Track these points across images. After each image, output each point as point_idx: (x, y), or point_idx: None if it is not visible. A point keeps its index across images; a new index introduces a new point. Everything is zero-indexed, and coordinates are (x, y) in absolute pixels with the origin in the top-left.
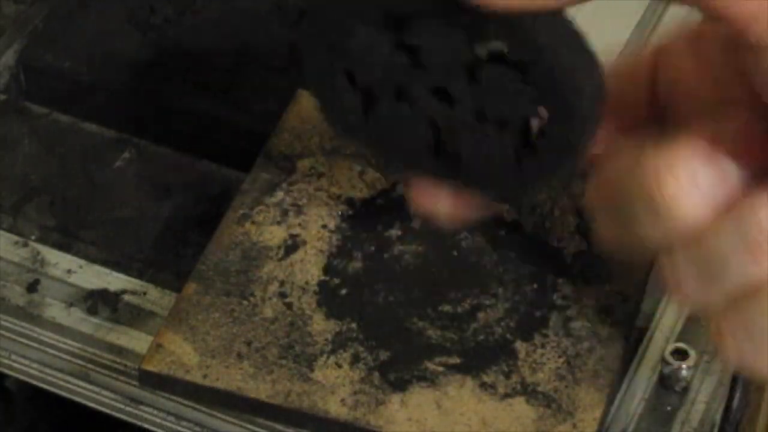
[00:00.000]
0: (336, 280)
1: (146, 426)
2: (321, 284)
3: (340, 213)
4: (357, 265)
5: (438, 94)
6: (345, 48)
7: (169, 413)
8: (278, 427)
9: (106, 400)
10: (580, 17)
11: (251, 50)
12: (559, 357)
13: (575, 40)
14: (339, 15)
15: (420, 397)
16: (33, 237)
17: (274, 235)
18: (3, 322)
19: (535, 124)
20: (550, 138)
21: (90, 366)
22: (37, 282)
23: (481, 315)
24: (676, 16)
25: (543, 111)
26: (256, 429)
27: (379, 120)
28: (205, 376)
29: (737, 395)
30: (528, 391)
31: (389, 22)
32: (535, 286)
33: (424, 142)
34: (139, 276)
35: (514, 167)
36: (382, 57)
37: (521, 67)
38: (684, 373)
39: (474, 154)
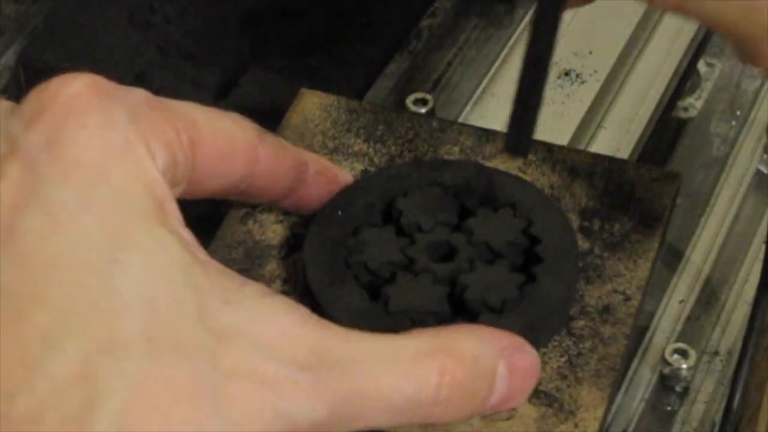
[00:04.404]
0: None
1: None
2: None
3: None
4: None
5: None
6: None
7: None
8: None
9: None
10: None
11: (251, 50)
12: (561, 356)
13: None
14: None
15: None
16: None
17: (277, 233)
18: None
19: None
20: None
21: None
22: None
23: None
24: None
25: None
26: None
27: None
28: None
29: (737, 395)
30: None
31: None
32: None
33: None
34: None
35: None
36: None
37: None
38: (684, 373)
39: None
